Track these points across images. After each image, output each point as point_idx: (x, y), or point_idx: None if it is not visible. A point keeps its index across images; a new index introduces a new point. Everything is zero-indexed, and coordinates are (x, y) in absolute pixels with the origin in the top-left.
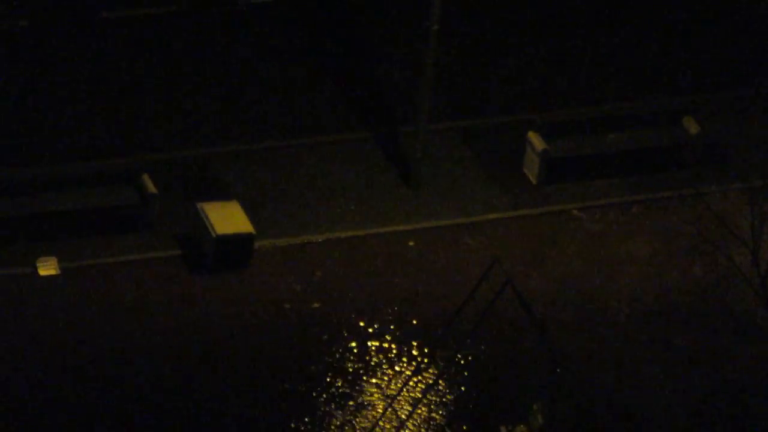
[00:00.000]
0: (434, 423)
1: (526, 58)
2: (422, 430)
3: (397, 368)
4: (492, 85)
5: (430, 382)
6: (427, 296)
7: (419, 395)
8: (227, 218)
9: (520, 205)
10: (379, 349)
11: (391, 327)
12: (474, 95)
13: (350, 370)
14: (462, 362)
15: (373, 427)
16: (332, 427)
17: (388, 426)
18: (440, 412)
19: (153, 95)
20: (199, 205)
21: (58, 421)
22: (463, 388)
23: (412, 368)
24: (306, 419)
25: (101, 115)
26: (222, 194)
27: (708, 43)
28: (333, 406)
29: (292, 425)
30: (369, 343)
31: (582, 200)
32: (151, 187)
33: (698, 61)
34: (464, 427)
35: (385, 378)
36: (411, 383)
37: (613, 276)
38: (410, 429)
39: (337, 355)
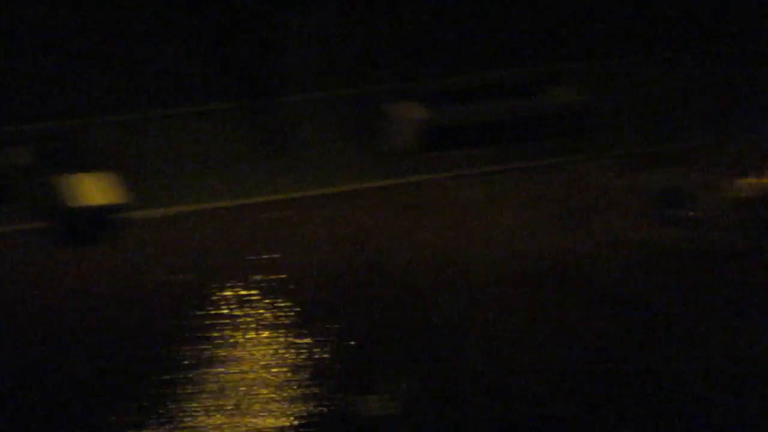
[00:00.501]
0: (304, 386)
1: (403, 29)
2: (292, 392)
3: (266, 335)
4: (359, 56)
5: (303, 349)
6: (295, 266)
7: (291, 360)
8: (90, 189)
9: (391, 175)
10: (249, 317)
11: (260, 295)
12: (347, 65)
13: (219, 337)
14: (333, 330)
15: (245, 394)
16: (206, 392)
17: (263, 390)
18: (309, 377)
19: (29, 63)
20: (64, 175)
21: None
22: (332, 354)
23: (283, 335)
24: (177, 385)
25: None
26: (94, 165)
27: (582, 14)
28: (203, 372)
29: (164, 390)
30: (238, 312)
31: (453, 169)
32: (16, 159)
33: (574, 30)
34: (332, 392)
35: (258, 345)
36: (282, 350)
37: (483, 244)
38: (282, 394)
39: (207, 323)
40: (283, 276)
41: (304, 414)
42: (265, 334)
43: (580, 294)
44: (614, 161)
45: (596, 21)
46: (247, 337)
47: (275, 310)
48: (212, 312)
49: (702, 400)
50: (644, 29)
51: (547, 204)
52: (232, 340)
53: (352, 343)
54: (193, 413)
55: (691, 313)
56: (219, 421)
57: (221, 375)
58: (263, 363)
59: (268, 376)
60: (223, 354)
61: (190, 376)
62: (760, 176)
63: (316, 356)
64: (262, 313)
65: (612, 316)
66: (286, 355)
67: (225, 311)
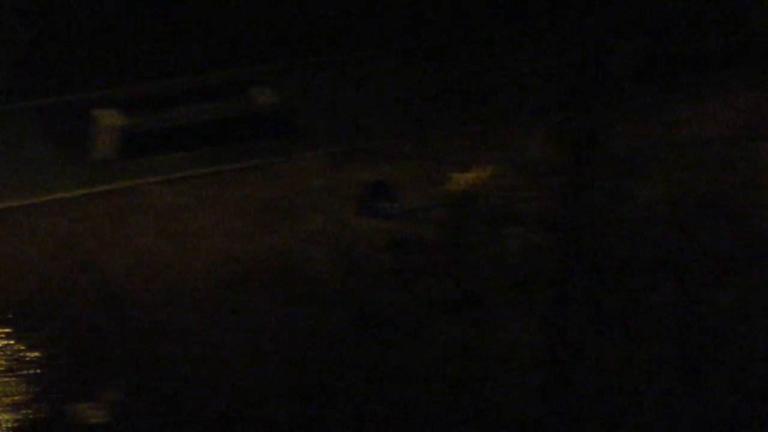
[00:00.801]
0: (13, 393)
1: (102, 30)
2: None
3: None
4: (59, 63)
5: (12, 358)
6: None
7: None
8: None
9: (95, 182)
10: None
11: None
12: (45, 74)
13: None
14: (43, 338)
15: None
16: None
17: None
18: (19, 384)
19: None
20: None
21: None
22: (42, 362)
23: None
24: None
25: None
26: None
27: (276, 10)
28: None
29: None
30: None
31: (157, 174)
32: None
33: (267, 30)
34: (42, 400)
35: None
36: None
37: (190, 248)
38: None
39: None
40: None
41: (14, 423)
42: None
43: (290, 292)
44: (320, 159)
45: (298, 19)
46: None
47: None
48: None
49: (420, 397)
50: (348, 27)
51: (253, 205)
52: None
53: (62, 350)
54: None
55: (397, 306)
56: None
57: None
58: None
59: None
60: None
61: None
62: (472, 170)
63: (27, 364)
64: None
65: (320, 313)
66: None
67: None
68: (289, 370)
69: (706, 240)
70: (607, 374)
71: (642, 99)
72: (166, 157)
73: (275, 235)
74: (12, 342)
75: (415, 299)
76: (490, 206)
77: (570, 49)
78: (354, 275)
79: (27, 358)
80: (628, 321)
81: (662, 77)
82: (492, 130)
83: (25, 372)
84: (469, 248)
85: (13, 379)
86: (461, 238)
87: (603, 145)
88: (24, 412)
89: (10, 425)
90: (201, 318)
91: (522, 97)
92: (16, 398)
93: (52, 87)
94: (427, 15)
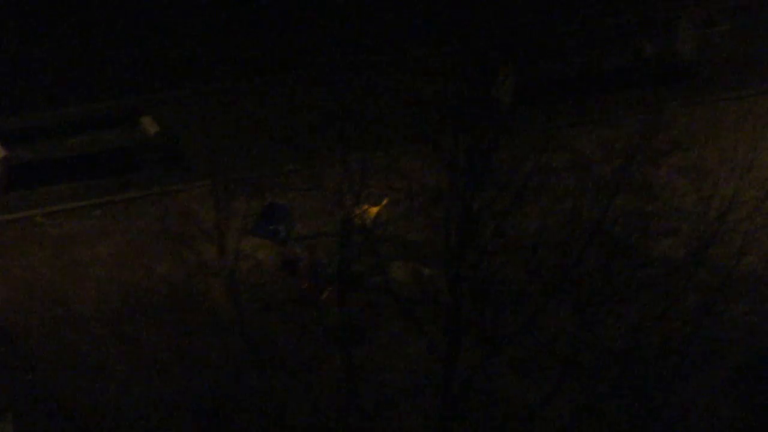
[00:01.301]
0: None
1: None
2: None
3: None
4: None
5: None
6: None
7: None
8: None
9: None
10: None
11: None
12: None
13: None
14: None
15: None
16: None
17: None
18: None
19: None
20: None
21: None
22: None
23: None
24: None
25: None
26: None
27: (162, 41)
28: None
29: None
30: None
31: (46, 206)
32: None
33: (156, 60)
34: None
35: None
36: None
37: (80, 279)
38: None
39: None
40: None
41: None
42: None
43: (182, 323)
44: (211, 189)
45: (189, 48)
46: None
47: None
48: None
49: (312, 428)
50: (238, 57)
51: (145, 235)
52: None
53: None
54: None
55: (289, 336)
56: None
57: None
58: None
59: None
60: None
61: None
62: (362, 198)
63: None
64: None
65: (212, 344)
66: None
67: None
68: (180, 401)
69: (595, 265)
70: (502, 402)
71: (529, 123)
72: (53, 189)
73: (167, 265)
74: None
75: (306, 329)
76: (382, 235)
77: (455, 75)
78: (246, 305)
79: None
80: (521, 347)
81: (549, 101)
82: (380, 158)
83: None
84: (360, 277)
85: None
86: (352, 267)
87: (491, 172)
88: None
89: None
90: (92, 349)
91: (408, 123)
92: None
93: None
94: (313, 42)
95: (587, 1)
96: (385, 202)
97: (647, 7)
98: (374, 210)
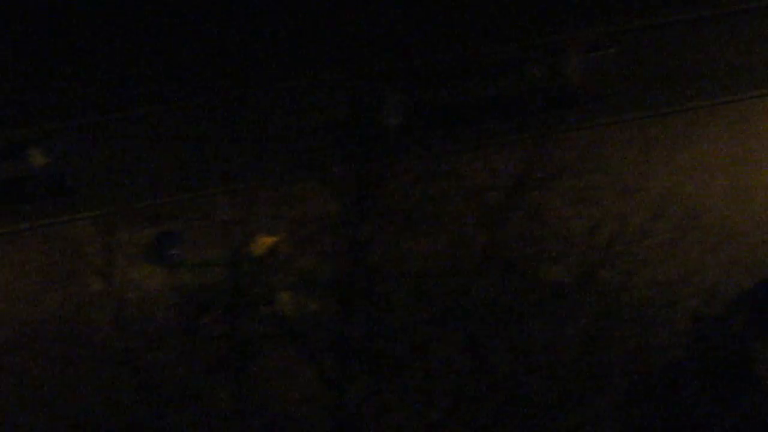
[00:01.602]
0: None
1: None
2: None
3: None
4: None
5: None
6: None
7: None
8: None
9: None
10: None
11: None
12: None
13: None
14: None
15: None
16: None
17: None
18: None
19: None
20: None
21: None
22: None
23: None
24: None
25: None
26: None
27: (54, 69)
28: None
29: None
30: None
31: None
32: None
33: (45, 90)
34: None
35: None
36: None
37: None
38: None
39: None
40: None
41: None
42: None
43: (70, 355)
44: (100, 219)
45: (76, 79)
46: None
47: None
48: None
49: None
50: (128, 85)
51: (33, 267)
52: None
53: None
54: None
55: (178, 367)
56: None
57: None
58: None
59: None
60: None
61: None
62: (252, 227)
63: None
64: None
65: (100, 376)
66: None
67: None
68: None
69: (487, 291)
70: (393, 429)
71: (418, 149)
72: None
73: (56, 297)
74: None
75: (196, 358)
76: (272, 264)
77: (342, 102)
78: (134, 336)
79: None
80: (412, 374)
81: (438, 127)
82: (272, 187)
83: None
84: (248, 307)
85: None
86: (241, 297)
87: (381, 199)
88: None
89: None
90: None
91: (297, 152)
92: None
93: None
94: (201, 74)
95: (476, 28)
96: (281, 235)
97: (535, 32)
98: (268, 240)
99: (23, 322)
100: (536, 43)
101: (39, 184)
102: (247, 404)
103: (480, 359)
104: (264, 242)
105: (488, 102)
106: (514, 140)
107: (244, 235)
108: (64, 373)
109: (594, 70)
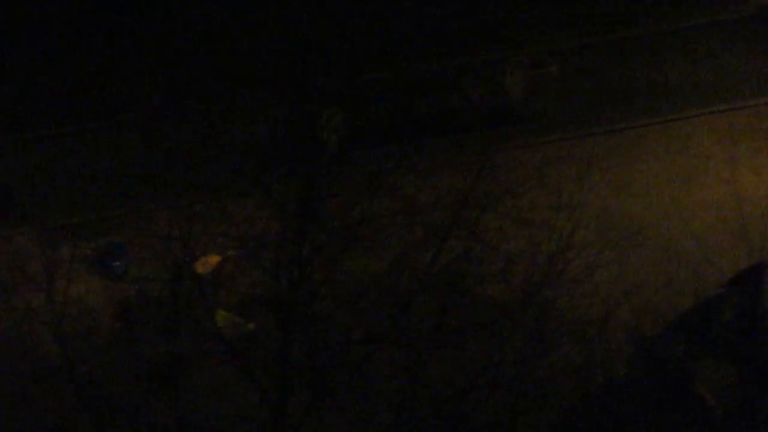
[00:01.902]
0: None
1: None
2: None
3: None
4: None
5: None
6: None
7: None
8: None
9: None
10: None
11: None
12: None
13: None
14: None
15: None
16: None
17: None
18: None
19: None
20: None
21: None
22: None
23: None
24: None
25: None
26: None
27: None
28: None
29: None
30: None
31: None
32: None
33: None
34: None
35: None
36: None
37: None
38: None
39: None
40: None
41: None
42: None
43: (9, 369)
44: (37, 234)
45: (13, 90)
46: None
47: None
48: None
49: None
50: (67, 98)
51: None
52: None
53: None
54: None
55: (117, 381)
56: None
57: None
58: None
59: None
60: None
61: None
62: (191, 244)
63: None
64: None
65: (41, 390)
66: None
67: None
68: None
69: (425, 309)
70: None
71: (357, 167)
72: None
73: (21, 312)
74: None
75: (133, 374)
76: (212, 281)
77: (281, 118)
78: (74, 350)
79: None
80: (352, 394)
81: (378, 145)
82: (208, 203)
83: None
84: (188, 324)
85: None
86: (180, 313)
87: (321, 216)
88: None
89: None
90: None
91: (237, 168)
92: None
93: None
94: (141, 88)
95: (415, 44)
96: (225, 255)
97: (476, 48)
98: (213, 260)
99: None
100: (477, 60)
101: None
102: (185, 420)
103: (420, 378)
104: (209, 262)
105: (429, 119)
106: (456, 158)
107: (184, 252)
108: (2, 388)
109: (536, 87)
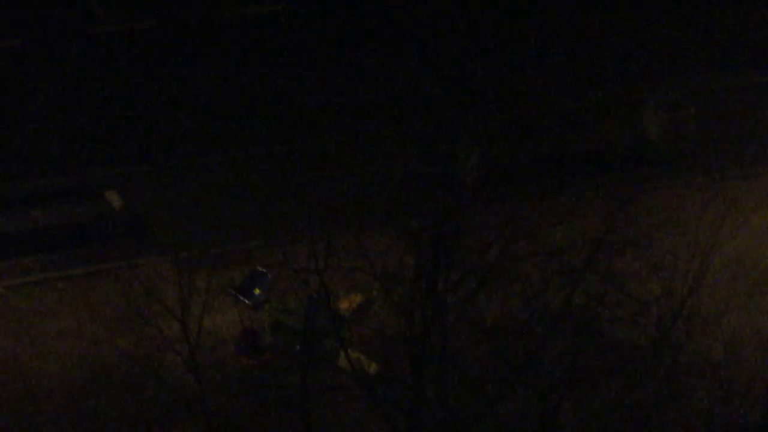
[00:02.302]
0: None
1: None
2: None
3: None
4: None
5: None
6: None
7: None
8: None
9: None
10: None
11: None
12: None
13: None
14: None
15: None
16: None
17: None
18: None
19: None
20: None
21: None
22: None
23: None
24: None
25: None
26: None
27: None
28: None
29: None
30: None
31: (9, 278)
32: None
33: (114, 132)
34: None
35: None
36: None
37: (45, 352)
38: None
39: None
40: None
41: None
42: None
43: (143, 397)
44: (174, 263)
45: (156, 122)
46: None
47: None
48: None
49: None
50: (211, 129)
51: (107, 309)
52: None
53: None
54: None
55: (244, 411)
56: None
57: None
58: None
59: None
60: None
61: None
62: (328, 277)
63: None
64: None
65: (171, 419)
66: None
67: None
68: None
69: (559, 351)
70: None
71: (494, 206)
72: (14, 261)
73: (130, 340)
74: None
75: (266, 405)
76: (344, 316)
77: (421, 156)
78: (207, 380)
79: None
80: (483, 430)
81: (515, 184)
82: (349, 237)
83: None
84: (322, 357)
85: None
86: (316, 346)
87: (456, 254)
88: None
89: None
90: (52, 423)
91: (374, 204)
92: None
93: None
94: (292, 123)
95: (554, 82)
96: (366, 294)
97: (613, 90)
98: (356, 298)
99: (97, 364)
100: (616, 102)
101: (115, 226)
102: None
103: (551, 418)
104: (353, 300)
105: (567, 160)
106: (592, 199)
107: (321, 286)
108: (137, 416)
109: (674, 129)
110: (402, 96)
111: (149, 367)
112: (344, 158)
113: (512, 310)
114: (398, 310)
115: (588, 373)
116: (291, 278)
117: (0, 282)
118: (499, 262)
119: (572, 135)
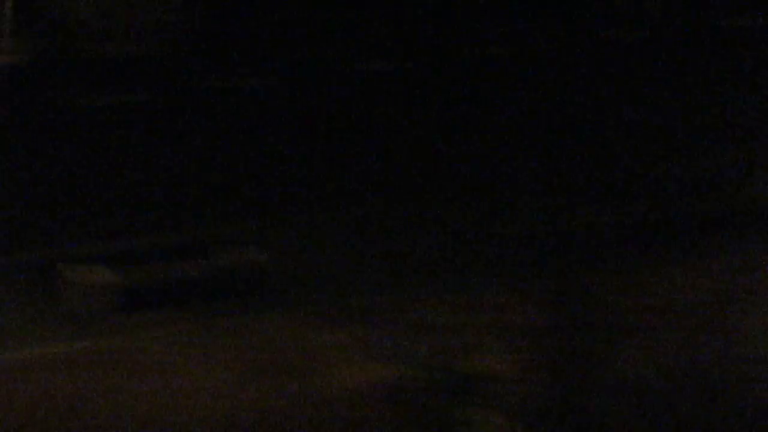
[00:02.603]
0: None
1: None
2: None
3: None
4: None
5: None
6: None
7: None
8: None
9: (83, 338)
10: None
11: None
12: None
13: None
14: None
15: None
16: None
17: None
18: None
19: None
20: None
21: None
22: None
23: None
24: None
25: None
26: None
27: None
28: None
29: None
30: None
31: (148, 330)
32: None
33: (247, 189)
34: None
35: None
36: None
37: (182, 408)
38: None
39: None
40: None
41: None
42: None
43: None
44: (305, 317)
45: (284, 177)
46: None
47: None
48: None
49: None
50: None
51: (245, 365)
52: None
53: None
54: None
55: None
56: None
57: None
58: None
59: None
60: None
61: None
62: (460, 336)
63: None
64: None
65: None
66: None
67: None
68: None
69: (688, 412)
70: None
71: (617, 263)
72: (157, 314)
73: (251, 394)
74: None
75: None
76: (471, 376)
77: (544, 209)
78: None
79: None
80: None
81: (638, 241)
82: (474, 295)
83: None
84: (450, 425)
85: None
86: (443, 408)
87: (582, 311)
88: None
89: None
90: None
91: (496, 258)
92: None
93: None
94: (418, 172)
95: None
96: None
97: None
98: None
99: (218, 418)
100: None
101: (233, 282)
102: None
103: None
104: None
105: (683, 219)
106: (714, 256)
107: (453, 343)
108: None
109: None
110: (528, 156)
111: (275, 423)
112: (470, 217)
113: (646, 368)
114: (529, 371)
115: None
116: (420, 334)
117: (137, 334)
118: (626, 317)
119: (694, 194)
